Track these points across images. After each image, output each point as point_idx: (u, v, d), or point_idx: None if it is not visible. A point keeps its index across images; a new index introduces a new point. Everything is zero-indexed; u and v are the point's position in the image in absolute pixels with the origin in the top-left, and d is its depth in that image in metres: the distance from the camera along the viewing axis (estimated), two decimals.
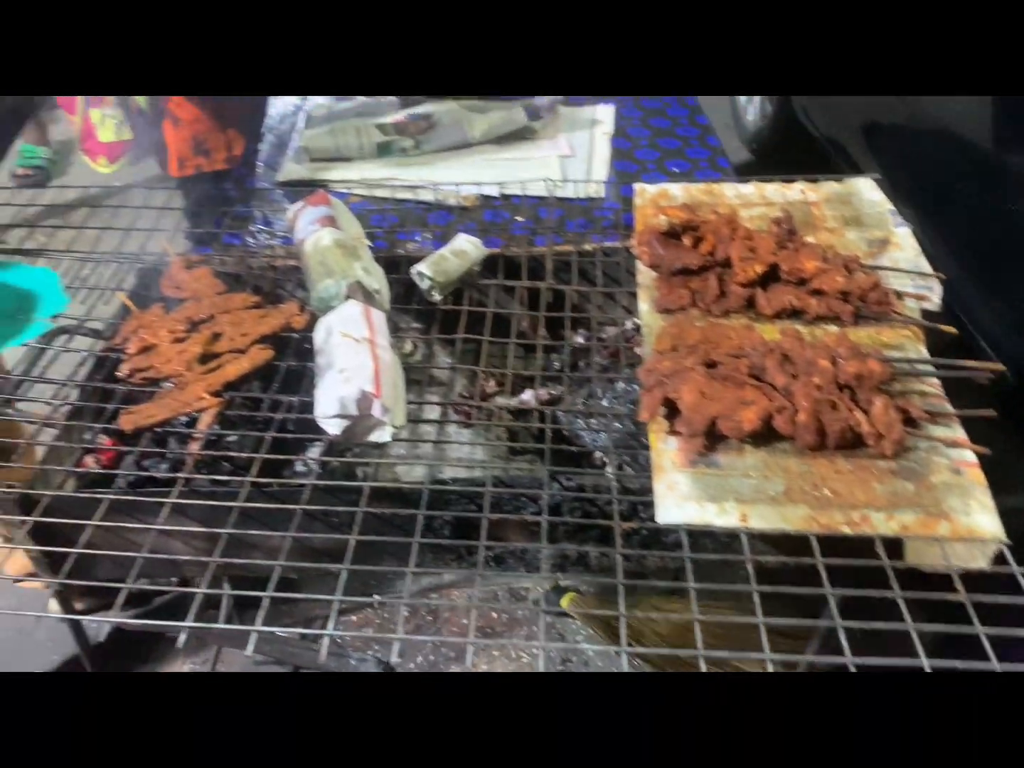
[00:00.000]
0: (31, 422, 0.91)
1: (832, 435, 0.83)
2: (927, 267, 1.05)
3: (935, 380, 0.91)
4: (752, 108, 3.42)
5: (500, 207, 1.33)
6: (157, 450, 0.87)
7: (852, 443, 0.84)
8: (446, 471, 0.94)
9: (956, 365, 0.92)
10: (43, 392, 0.95)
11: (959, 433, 0.85)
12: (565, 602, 1.58)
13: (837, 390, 0.87)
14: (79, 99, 1.56)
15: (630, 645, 1.38)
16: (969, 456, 0.83)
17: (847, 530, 0.77)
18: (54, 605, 1.72)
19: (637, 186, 1.22)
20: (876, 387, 0.87)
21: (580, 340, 1.17)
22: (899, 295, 1.02)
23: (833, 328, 1.00)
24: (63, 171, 3.50)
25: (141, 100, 1.54)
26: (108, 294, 1.09)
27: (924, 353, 0.96)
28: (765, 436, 0.85)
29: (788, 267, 1.03)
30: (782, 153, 3.19)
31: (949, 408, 0.88)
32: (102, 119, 1.55)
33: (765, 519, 0.78)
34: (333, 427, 0.83)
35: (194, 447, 0.87)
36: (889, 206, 1.16)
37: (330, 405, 0.81)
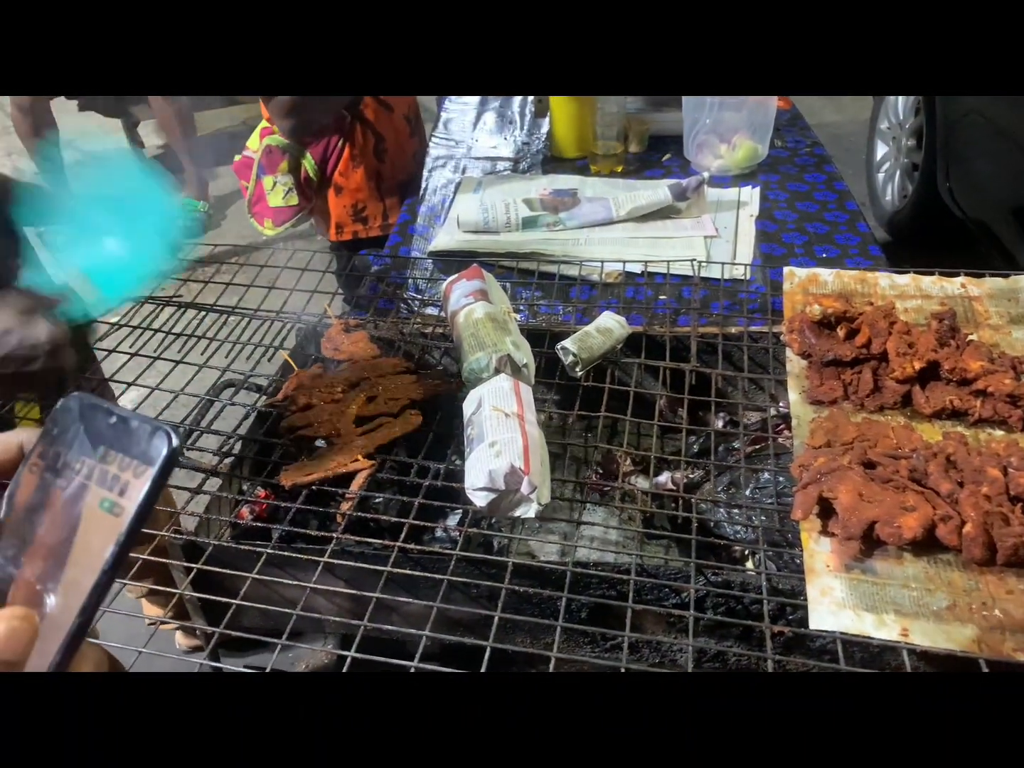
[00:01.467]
0: (199, 470, 0.97)
1: (1003, 551, 0.78)
2: None
3: None
4: (891, 186, 3.33)
5: (643, 285, 1.34)
6: (312, 507, 0.91)
7: None
8: (581, 551, 0.94)
9: None
10: (211, 443, 1.01)
11: None
12: None
13: (1008, 502, 0.82)
14: (254, 167, 1.69)
15: None
16: None
17: (1021, 658, 0.72)
18: (180, 640, 1.81)
19: (787, 269, 1.20)
20: None
21: (722, 425, 1.15)
22: None
23: (1000, 433, 0.95)
24: (218, 223, 3.79)
25: (311, 169, 1.65)
26: (272, 352, 1.16)
27: None
28: (927, 546, 0.80)
29: (950, 366, 0.99)
30: (924, 236, 3.08)
31: None
32: (273, 185, 1.67)
33: (928, 636, 0.74)
34: (481, 499, 0.84)
35: (346, 507, 0.90)
36: None
37: (479, 478, 0.83)
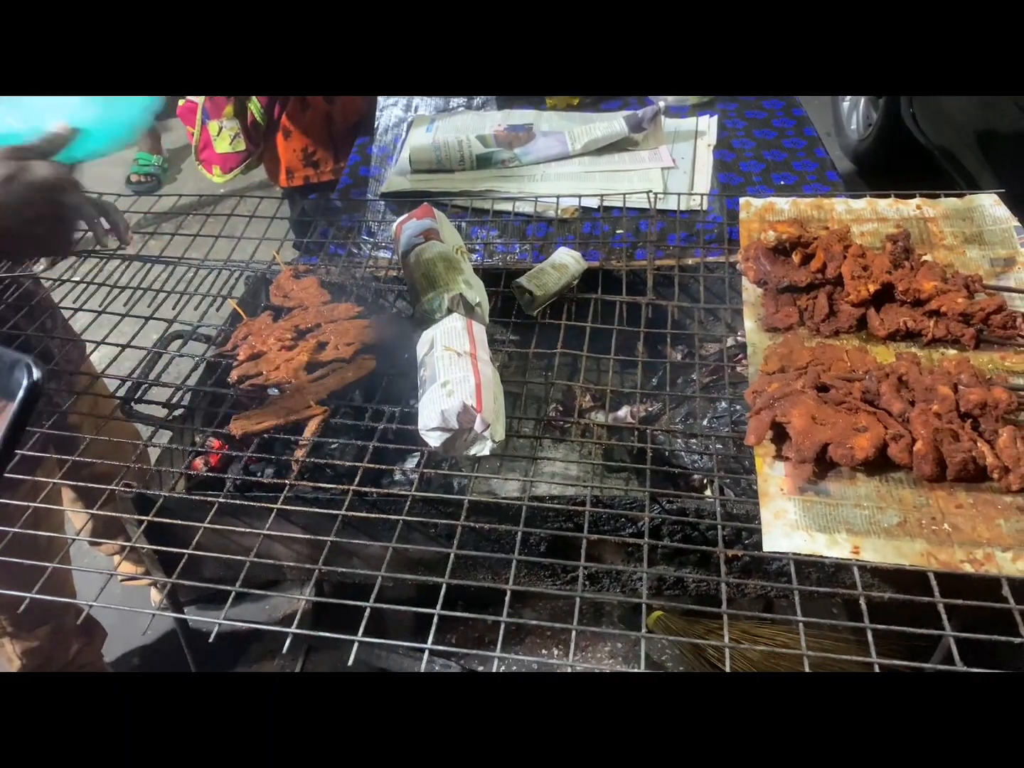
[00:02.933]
0: (148, 424, 0.95)
1: (953, 467, 0.79)
2: None
3: None
4: (855, 116, 3.30)
5: (600, 219, 1.32)
6: (264, 455, 0.90)
7: (974, 476, 0.79)
8: (542, 487, 0.94)
9: None
10: (160, 395, 0.99)
11: None
12: (652, 620, 1.56)
13: (959, 419, 0.82)
14: (198, 111, 1.63)
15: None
16: None
17: (969, 569, 0.73)
18: (155, 596, 1.81)
19: (743, 200, 1.19)
20: (1001, 417, 0.82)
21: (679, 357, 1.15)
22: None
23: (952, 352, 0.95)
24: (173, 178, 3.69)
25: (257, 113, 1.60)
26: (219, 300, 1.13)
27: None
28: (879, 465, 0.81)
29: (904, 287, 0.98)
30: (888, 164, 3.06)
31: None
32: (219, 131, 1.61)
33: (879, 552, 0.74)
34: (434, 439, 0.83)
35: (300, 454, 0.89)
36: (1015, 222, 1.10)
37: (432, 418, 0.82)
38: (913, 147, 2.78)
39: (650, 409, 1.09)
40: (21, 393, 0.34)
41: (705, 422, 1.03)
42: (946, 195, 1.16)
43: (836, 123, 3.49)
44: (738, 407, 1.00)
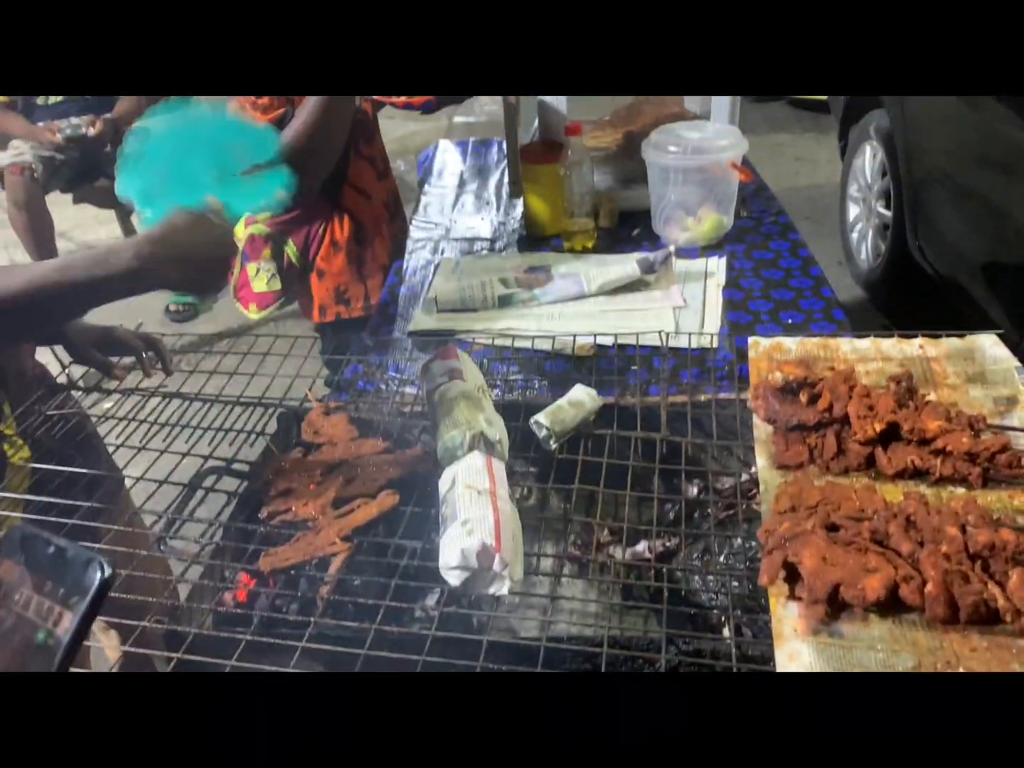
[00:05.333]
0: (181, 559, 0.99)
1: (964, 609, 0.80)
2: None
3: None
4: (865, 246, 3.43)
5: (615, 356, 1.38)
6: (290, 592, 0.93)
7: (987, 619, 0.80)
8: (560, 626, 0.95)
9: None
10: (194, 531, 1.03)
11: None
12: None
13: (968, 560, 0.84)
14: (238, 254, 1.75)
15: None
16: None
17: None
18: None
19: (751, 339, 1.25)
20: (1011, 558, 0.83)
21: (695, 491, 1.17)
22: None
23: (960, 491, 0.97)
24: (210, 307, 3.87)
25: (293, 255, 1.71)
26: (254, 437, 1.19)
27: None
28: (891, 606, 0.82)
29: (909, 426, 1.02)
30: (899, 292, 3.15)
31: None
32: (256, 272, 1.73)
33: None
34: (454, 578, 0.86)
35: (324, 591, 0.92)
36: (1015, 362, 1.14)
37: (453, 557, 0.85)
38: (922, 277, 2.88)
39: (667, 544, 1.11)
40: (93, 591, 0.39)
41: (722, 558, 1.04)
42: (947, 335, 1.21)
43: (846, 252, 3.62)
44: (753, 544, 1.02)
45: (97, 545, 0.99)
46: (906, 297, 3.11)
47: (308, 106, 1.42)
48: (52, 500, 1.05)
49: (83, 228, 4.58)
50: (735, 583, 0.93)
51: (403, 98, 1.63)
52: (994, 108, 2.34)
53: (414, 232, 1.95)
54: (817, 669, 0.77)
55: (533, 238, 1.85)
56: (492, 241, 1.87)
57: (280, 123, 1.45)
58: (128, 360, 1.36)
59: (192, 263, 1.01)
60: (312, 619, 0.87)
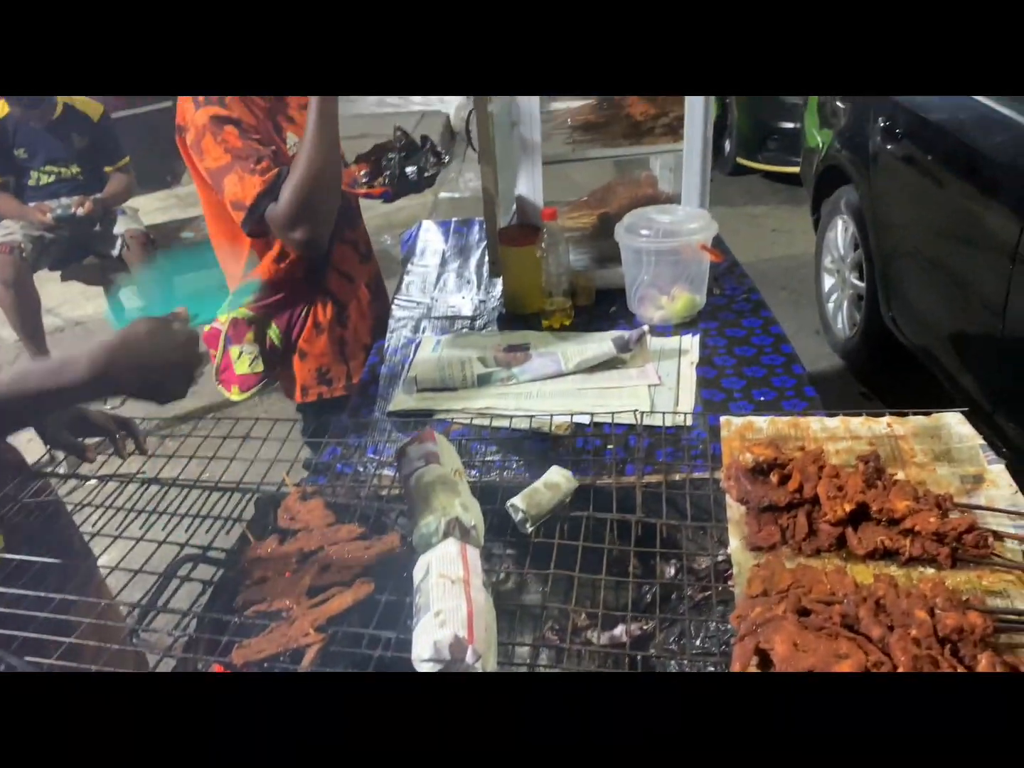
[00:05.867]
0: (152, 652, 0.98)
1: None
2: None
3: None
4: (840, 316, 3.50)
5: (591, 435, 1.40)
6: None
7: None
8: None
9: None
10: (167, 622, 1.03)
11: None
12: None
13: (937, 644, 0.84)
14: (221, 337, 1.77)
15: None
16: None
17: None
18: None
19: (723, 418, 1.27)
20: (980, 642, 0.84)
21: (671, 572, 1.18)
22: (998, 536, 1.00)
23: (930, 571, 0.98)
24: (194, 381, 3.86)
25: (275, 338, 1.74)
26: (230, 523, 1.19)
27: None
28: None
29: (878, 506, 1.03)
30: (874, 362, 3.21)
31: None
32: (239, 355, 1.75)
33: None
34: (427, 671, 0.86)
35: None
36: (979, 440, 1.16)
37: (425, 649, 0.85)
38: (897, 346, 2.94)
39: (644, 628, 1.11)
40: None
41: (697, 642, 1.04)
42: (914, 413, 1.24)
43: (823, 322, 3.69)
44: (728, 627, 1.02)
45: (68, 639, 0.98)
46: (882, 366, 3.17)
47: (300, 162, 1.46)
48: (23, 592, 1.04)
49: (71, 304, 4.62)
50: (711, 668, 0.93)
51: (362, 189, 1.68)
52: (958, 186, 2.44)
53: (396, 311, 1.99)
54: None
55: (512, 316, 1.88)
56: (472, 319, 1.91)
57: (274, 185, 1.49)
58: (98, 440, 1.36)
59: (152, 370, 1.02)
60: None
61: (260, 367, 1.75)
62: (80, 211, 3.65)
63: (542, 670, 1.05)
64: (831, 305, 3.60)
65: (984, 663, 0.81)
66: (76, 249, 3.86)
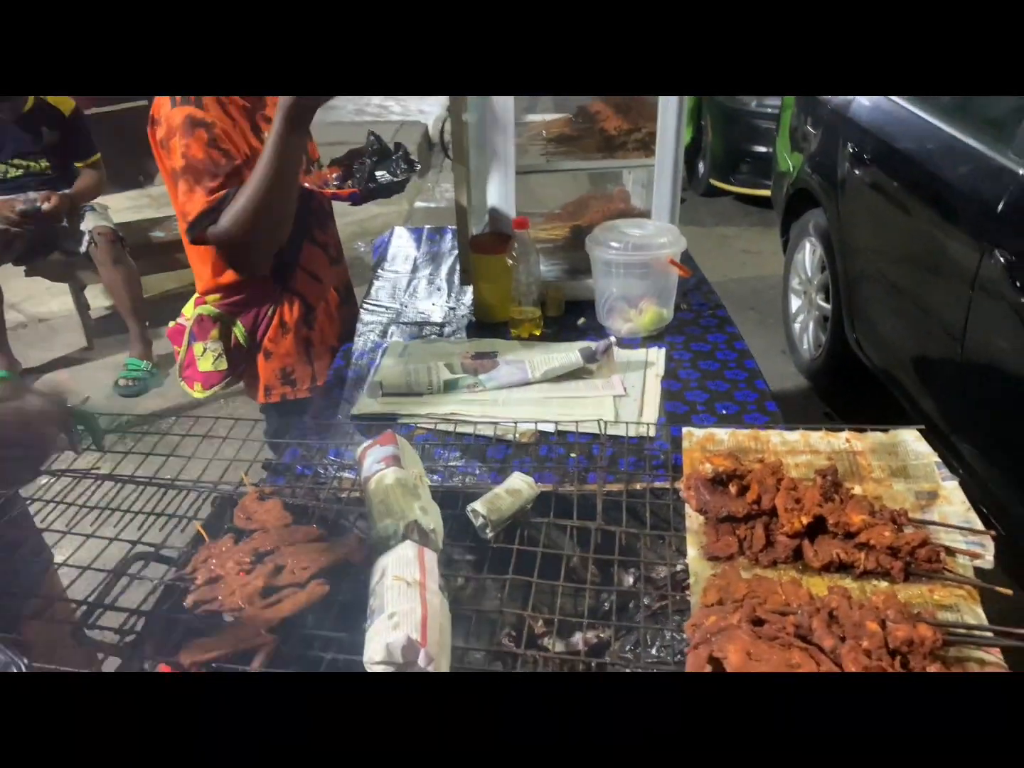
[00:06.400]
0: (99, 650, 0.96)
1: None
2: (978, 523, 1.05)
3: (994, 647, 0.88)
4: (806, 337, 3.55)
5: (555, 443, 1.40)
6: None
7: None
8: None
9: (1015, 633, 0.89)
10: (115, 620, 1.00)
11: None
12: None
13: (888, 655, 0.85)
14: (185, 334, 1.75)
15: None
16: None
17: None
18: None
19: (685, 429, 1.28)
20: (929, 654, 0.85)
21: (630, 581, 1.18)
22: (950, 551, 1.01)
23: (884, 584, 1.00)
24: (160, 382, 3.82)
25: (240, 336, 1.72)
26: (185, 522, 1.17)
27: (980, 615, 0.94)
28: None
29: (834, 520, 1.04)
30: (838, 382, 3.26)
31: None
32: (203, 351, 1.73)
33: None
34: (378, 672, 0.84)
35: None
36: (935, 457, 1.18)
37: (377, 651, 0.84)
38: (861, 368, 2.99)
39: (601, 636, 1.11)
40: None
41: (653, 651, 1.04)
42: (872, 430, 1.25)
43: (789, 343, 3.74)
44: (684, 636, 1.02)
45: (12, 636, 0.95)
46: (846, 387, 3.22)
47: (248, 185, 1.46)
48: None
49: (35, 300, 4.53)
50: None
51: (331, 190, 1.68)
52: (922, 213, 2.49)
53: (364, 315, 1.97)
54: None
55: (482, 324, 1.88)
56: (442, 326, 1.90)
57: (217, 206, 1.48)
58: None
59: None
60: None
61: (224, 365, 1.73)
62: (46, 206, 3.59)
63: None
64: (797, 326, 3.65)
65: None
66: (42, 244, 3.79)
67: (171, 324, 1.83)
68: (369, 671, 0.85)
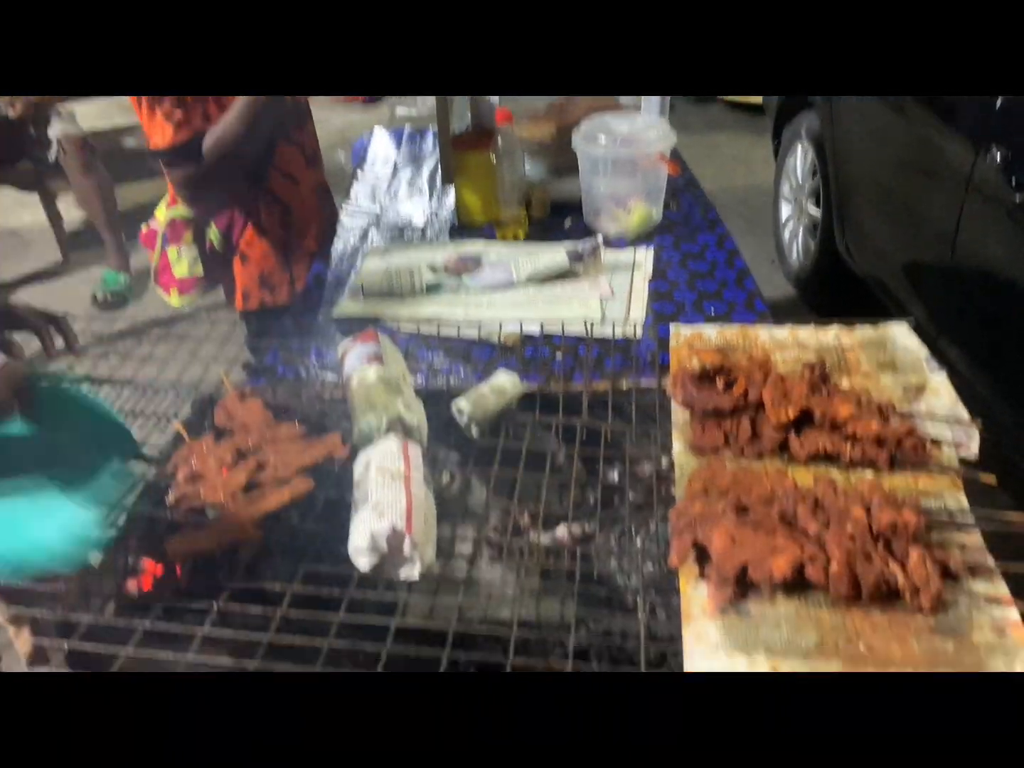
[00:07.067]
0: None
1: (866, 587, 0.81)
2: (964, 414, 1.05)
3: (976, 532, 0.89)
4: (796, 245, 3.51)
5: (541, 344, 1.38)
6: (197, 579, 0.90)
7: (888, 596, 0.82)
8: (472, 609, 0.94)
9: (997, 517, 0.90)
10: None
11: (1002, 590, 0.83)
12: None
13: (872, 540, 0.86)
14: (158, 237, 1.69)
15: None
16: (1013, 615, 0.80)
17: None
18: None
19: (673, 328, 1.26)
20: (912, 538, 0.86)
21: (615, 476, 1.18)
22: (936, 442, 1.01)
23: (869, 474, 1.00)
24: (139, 296, 3.75)
25: (215, 239, 1.67)
26: (165, 422, 1.15)
27: (963, 502, 0.94)
28: (798, 586, 0.83)
29: (821, 412, 1.04)
30: (827, 290, 3.23)
31: (991, 562, 0.86)
32: (178, 256, 1.68)
33: None
34: (363, 562, 0.84)
35: (231, 577, 0.89)
36: (924, 352, 1.17)
37: (362, 540, 0.83)
38: (848, 274, 2.95)
39: (586, 528, 1.11)
40: None
41: (638, 542, 1.05)
42: (862, 324, 1.24)
43: (778, 251, 3.70)
44: (668, 527, 1.03)
45: None
46: (835, 295, 3.19)
47: (229, 116, 1.40)
48: None
49: (5, 212, 4.39)
50: (649, 566, 0.94)
51: None
52: (917, 114, 2.42)
53: (343, 219, 1.92)
54: (723, 649, 0.78)
55: (465, 227, 1.83)
56: (424, 229, 1.85)
57: (189, 144, 1.43)
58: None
59: None
60: (215, 605, 0.84)
61: (200, 270, 1.68)
62: (11, 112, 3.43)
63: (484, 568, 1.04)
64: (787, 234, 3.60)
65: (915, 558, 0.83)
66: (9, 153, 3.65)
67: (143, 228, 1.77)
68: (354, 560, 0.84)
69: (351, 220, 1.91)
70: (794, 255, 3.51)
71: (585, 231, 1.77)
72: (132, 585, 1.00)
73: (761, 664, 0.76)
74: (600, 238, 1.56)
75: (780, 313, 3.33)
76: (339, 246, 1.77)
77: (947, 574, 0.83)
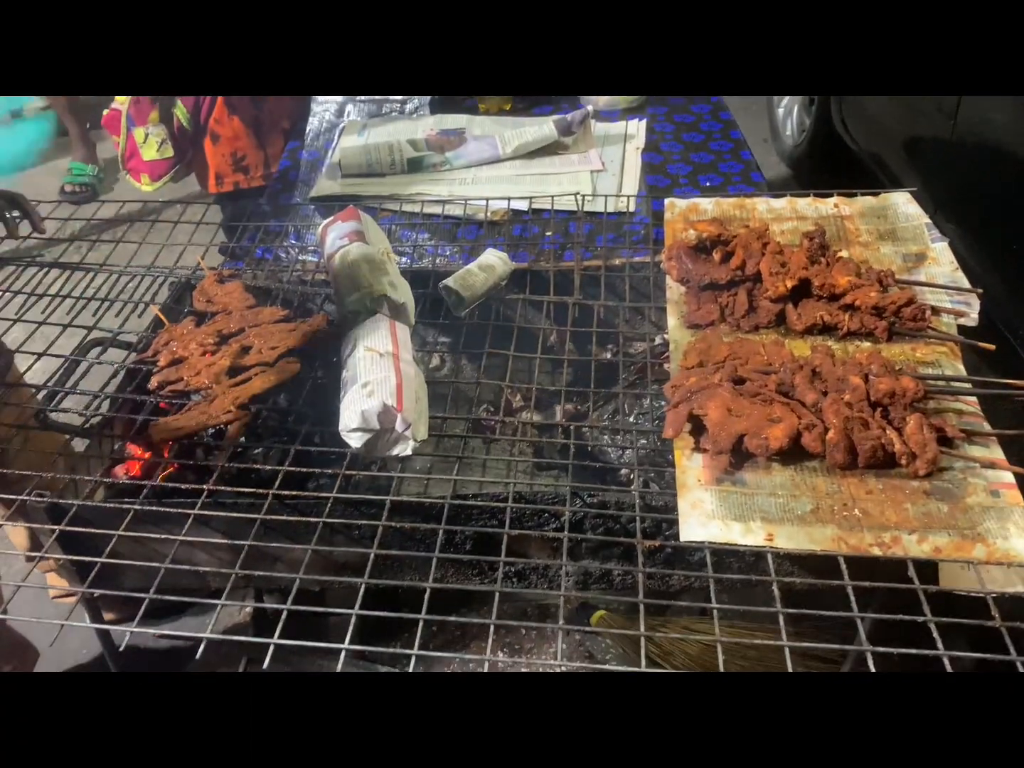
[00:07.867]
0: (65, 432, 0.93)
1: (863, 454, 0.81)
2: (965, 282, 1.02)
3: (972, 398, 0.88)
4: (790, 122, 3.39)
5: (530, 222, 1.33)
6: (185, 461, 0.88)
7: (884, 462, 0.82)
8: (469, 486, 0.94)
9: (994, 383, 0.89)
10: (77, 403, 0.97)
11: (997, 454, 0.83)
12: (595, 620, 1.56)
13: (869, 408, 0.85)
14: (122, 119, 1.60)
15: (658, 666, 1.36)
16: (1007, 477, 0.80)
17: (877, 552, 0.75)
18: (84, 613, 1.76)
19: (668, 200, 1.21)
20: (910, 405, 0.85)
21: (607, 355, 1.16)
22: (935, 311, 0.99)
23: (866, 344, 0.98)
24: (109, 188, 3.60)
25: (183, 118, 1.58)
26: (142, 307, 1.11)
27: (961, 370, 0.93)
28: (793, 454, 0.83)
29: (820, 282, 1.01)
30: (821, 167, 3.14)
31: (987, 427, 0.85)
32: (145, 138, 1.59)
33: (792, 539, 0.76)
34: (355, 440, 0.83)
35: (220, 459, 0.87)
36: (926, 219, 1.14)
37: (352, 418, 0.82)
38: (844, 150, 2.86)
39: (579, 407, 1.10)
40: None
41: (631, 418, 1.04)
42: (862, 194, 1.19)
43: (772, 129, 3.57)
44: (662, 403, 1.02)
45: None
46: (830, 172, 3.10)
47: None
48: None
49: None
50: (642, 440, 0.93)
51: None
52: None
53: None
54: (719, 516, 0.78)
55: (446, 99, 1.73)
56: (403, 102, 1.75)
57: None
58: None
59: None
60: (205, 487, 0.83)
61: (169, 152, 1.59)
62: None
63: (478, 442, 1.03)
64: (781, 111, 3.46)
65: (912, 424, 0.82)
66: None
67: (106, 111, 1.66)
68: (345, 439, 0.83)
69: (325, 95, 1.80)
70: (788, 132, 3.39)
71: (574, 104, 1.68)
72: (120, 471, 0.99)
73: (758, 531, 0.76)
74: (590, 109, 1.48)
75: (774, 191, 3.24)
76: (314, 123, 1.68)
77: (943, 440, 0.82)
